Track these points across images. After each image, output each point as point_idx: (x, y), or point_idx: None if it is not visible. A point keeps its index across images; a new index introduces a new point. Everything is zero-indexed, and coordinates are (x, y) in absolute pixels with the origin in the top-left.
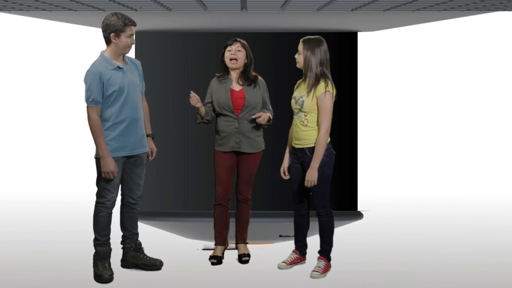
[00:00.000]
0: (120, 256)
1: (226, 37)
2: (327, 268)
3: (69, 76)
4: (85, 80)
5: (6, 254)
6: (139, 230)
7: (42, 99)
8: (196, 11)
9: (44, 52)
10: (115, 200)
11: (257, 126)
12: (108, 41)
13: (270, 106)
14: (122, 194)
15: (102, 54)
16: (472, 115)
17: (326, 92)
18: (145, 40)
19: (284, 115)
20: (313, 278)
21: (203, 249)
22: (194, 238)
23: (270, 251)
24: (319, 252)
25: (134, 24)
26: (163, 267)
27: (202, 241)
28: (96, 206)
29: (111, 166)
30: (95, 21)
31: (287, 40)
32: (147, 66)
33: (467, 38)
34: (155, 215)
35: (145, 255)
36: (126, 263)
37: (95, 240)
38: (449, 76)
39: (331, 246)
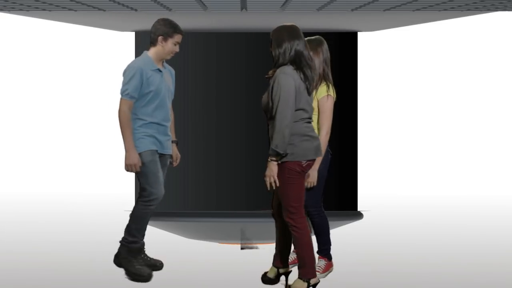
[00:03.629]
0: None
1: (226, 37)
2: (327, 267)
3: (69, 76)
4: (126, 73)
5: (6, 254)
6: None
7: (42, 99)
8: (196, 11)
9: (44, 52)
10: (162, 195)
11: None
12: (154, 43)
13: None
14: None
15: (146, 54)
16: (472, 115)
17: (327, 96)
18: (145, 40)
19: None
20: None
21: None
22: (194, 238)
23: (270, 251)
24: (317, 252)
25: (182, 33)
26: (163, 267)
27: (202, 241)
28: (142, 203)
29: (135, 159)
30: (95, 21)
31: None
32: None
33: (467, 38)
34: (155, 215)
35: (146, 255)
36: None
37: (132, 237)
38: (449, 76)
39: (329, 244)
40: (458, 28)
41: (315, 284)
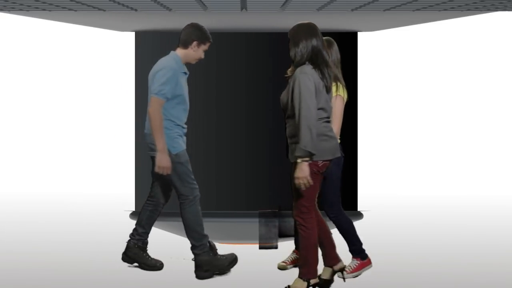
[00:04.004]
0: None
1: (226, 37)
2: (360, 266)
3: (69, 76)
4: (164, 73)
5: (6, 254)
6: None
7: (43, 99)
8: (196, 11)
9: (44, 52)
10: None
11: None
12: (185, 45)
13: None
14: (154, 192)
15: (176, 55)
16: (472, 115)
17: (336, 96)
18: (145, 40)
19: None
20: (340, 278)
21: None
22: None
23: (270, 251)
24: (350, 252)
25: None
26: (163, 267)
27: None
28: (189, 203)
29: (168, 162)
30: (95, 21)
31: (287, 40)
32: (147, 66)
33: (467, 38)
34: None
35: (147, 254)
36: (127, 257)
37: (198, 242)
38: (449, 76)
39: (358, 243)
40: (458, 28)
41: (315, 284)
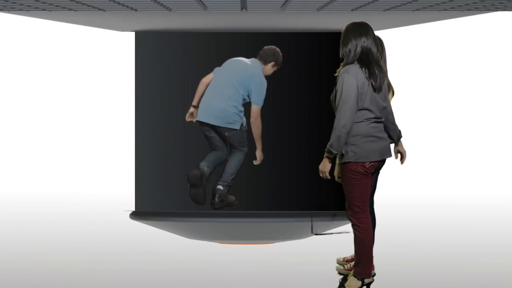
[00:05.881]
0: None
1: (226, 37)
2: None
3: (69, 76)
4: (264, 85)
5: (6, 254)
6: (139, 230)
7: (43, 99)
8: (196, 11)
9: (44, 52)
10: None
11: None
12: (266, 62)
13: None
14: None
15: (261, 66)
16: (472, 115)
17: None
18: (145, 40)
19: (284, 114)
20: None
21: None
22: (194, 238)
23: (270, 251)
24: None
25: None
26: (162, 267)
27: (202, 241)
28: (242, 154)
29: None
30: (95, 21)
31: (287, 40)
32: (147, 66)
33: (467, 38)
34: (155, 215)
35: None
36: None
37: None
38: (449, 76)
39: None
40: (458, 28)
41: (369, 283)
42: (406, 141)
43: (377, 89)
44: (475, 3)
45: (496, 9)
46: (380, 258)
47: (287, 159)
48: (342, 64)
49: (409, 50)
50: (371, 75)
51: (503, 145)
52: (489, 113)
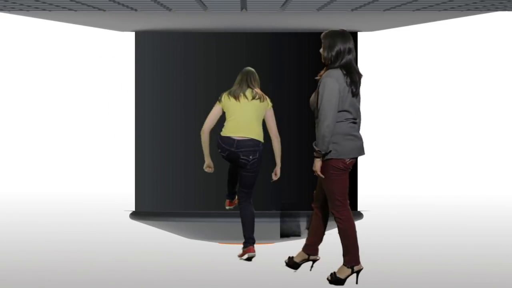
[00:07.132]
0: (123, 249)
1: (226, 37)
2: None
3: (69, 76)
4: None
5: (6, 254)
6: (139, 230)
7: (43, 99)
8: (196, 11)
9: (44, 52)
10: None
11: None
12: None
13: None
14: None
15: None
16: (472, 115)
17: None
18: (145, 40)
19: (284, 114)
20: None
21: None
22: (194, 238)
23: (270, 252)
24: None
25: None
26: (163, 267)
27: (202, 241)
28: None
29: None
30: (95, 21)
31: (287, 40)
32: (147, 66)
33: (467, 38)
34: (155, 215)
35: None
36: None
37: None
38: (449, 76)
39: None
40: (458, 28)
41: (359, 271)
42: (406, 141)
43: (355, 94)
44: (475, 3)
45: (496, 9)
46: (380, 258)
47: (287, 159)
48: (325, 67)
49: (409, 50)
50: (352, 82)
51: (503, 145)
52: (489, 113)
